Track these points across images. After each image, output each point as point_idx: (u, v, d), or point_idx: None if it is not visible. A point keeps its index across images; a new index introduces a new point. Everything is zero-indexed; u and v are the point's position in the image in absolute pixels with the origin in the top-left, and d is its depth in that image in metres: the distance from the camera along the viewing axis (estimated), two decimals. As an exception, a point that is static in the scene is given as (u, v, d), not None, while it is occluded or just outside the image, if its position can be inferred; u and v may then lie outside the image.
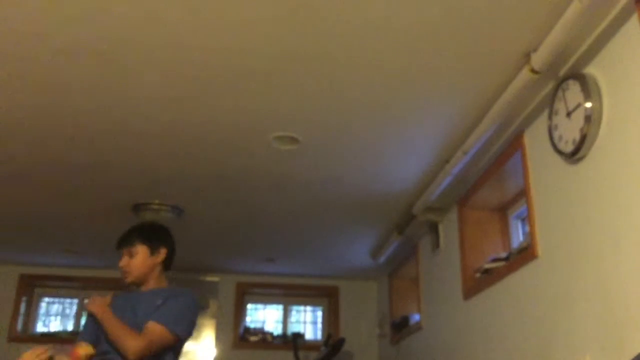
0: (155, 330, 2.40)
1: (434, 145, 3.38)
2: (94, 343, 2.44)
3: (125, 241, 2.60)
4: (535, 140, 2.89)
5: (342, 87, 2.83)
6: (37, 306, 6.45)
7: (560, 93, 2.52)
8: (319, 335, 6.67)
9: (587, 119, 2.30)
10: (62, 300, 6.54)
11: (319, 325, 6.78)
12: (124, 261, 2.58)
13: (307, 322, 6.83)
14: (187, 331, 2.51)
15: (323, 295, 6.73)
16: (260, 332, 6.52)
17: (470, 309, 3.72)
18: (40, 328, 6.41)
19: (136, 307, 2.51)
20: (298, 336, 6.14)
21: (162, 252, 2.65)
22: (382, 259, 5.35)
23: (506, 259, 3.29)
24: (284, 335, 6.55)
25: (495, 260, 3.42)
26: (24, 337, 6.06)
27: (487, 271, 3.47)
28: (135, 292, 2.63)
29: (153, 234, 2.66)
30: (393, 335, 5.63)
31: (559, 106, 2.53)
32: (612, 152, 2.24)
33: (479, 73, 2.68)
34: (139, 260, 2.58)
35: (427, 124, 3.16)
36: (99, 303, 2.52)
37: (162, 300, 2.51)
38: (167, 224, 4.49)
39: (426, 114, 3.06)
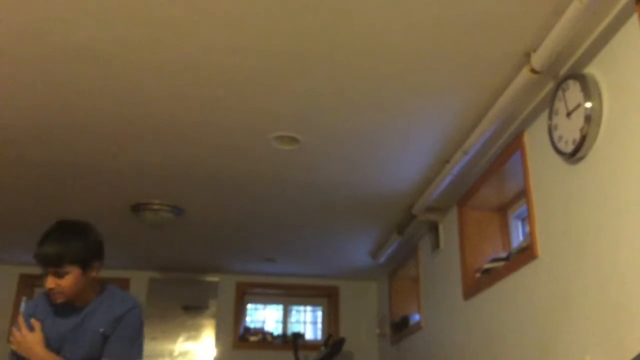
0: None
1: (434, 145, 3.38)
2: None
3: (50, 262, 2.19)
4: (535, 140, 2.89)
5: (343, 87, 2.83)
6: (37, 306, 6.45)
7: (560, 93, 2.52)
8: (319, 335, 6.67)
9: (587, 119, 2.30)
10: (62, 300, 6.54)
11: (319, 325, 6.78)
12: (51, 282, 2.20)
13: (307, 322, 6.83)
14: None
15: (323, 295, 6.73)
16: (260, 332, 6.51)
17: (470, 309, 3.72)
18: (40, 328, 6.41)
19: (78, 335, 2.24)
20: (298, 336, 6.14)
21: (96, 266, 2.28)
22: (382, 259, 5.34)
23: (506, 259, 3.29)
24: (284, 335, 6.54)
25: (495, 260, 3.43)
26: (24, 337, 6.05)
27: (487, 271, 3.47)
28: (67, 306, 2.27)
29: (87, 253, 2.25)
30: (393, 335, 5.63)
31: (559, 106, 2.53)
32: (612, 152, 2.24)
33: (479, 73, 2.68)
34: (70, 281, 2.20)
35: (427, 124, 3.16)
36: (30, 341, 2.19)
37: (110, 327, 2.25)
38: (167, 224, 4.53)
39: (426, 113, 3.06)
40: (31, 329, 2.22)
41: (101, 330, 2.23)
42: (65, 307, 2.25)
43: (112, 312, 2.27)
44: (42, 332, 2.22)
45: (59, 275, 2.19)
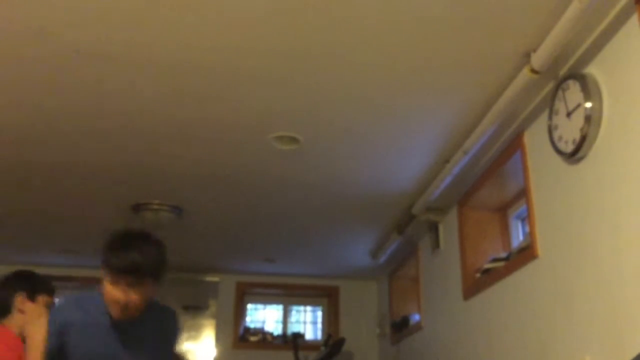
0: None
1: (434, 145, 3.38)
2: None
3: (135, 272, 2.07)
4: (535, 140, 2.89)
5: (342, 87, 2.82)
6: (37, 306, 6.44)
7: (560, 93, 2.52)
8: (319, 335, 6.67)
9: (587, 119, 2.30)
10: (62, 300, 6.53)
11: (319, 325, 6.78)
12: (124, 295, 2.06)
13: (307, 322, 6.83)
14: None
15: (323, 295, 6.73)
16: (260, 332, 6.52)
17: (470, 309, 3.72)
18: (40, 328, 6.40)
19: (128, 346, 2.15)
20: (298, 336, 6.13)
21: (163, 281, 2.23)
22: (382, 259, 5.35)
23: (506, 259, 3.29)
24: (284, 335, 6.55)
25: (495, 260, 3.42)
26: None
27: (487, 271, 3.47)
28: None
29: (164, 267, 2.18)
30: (393, 335, 5.63)
31: (559, 106, 2.53)
32: (612, 152, 2.24)
33: (479, 73, 2.68)
34: (146, 295, 2.12)
35: (428, 124, 3.16)
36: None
37: (166, 339, 2.29)
38: (167, 224, 4.53)
39: (426, 113, 3.06)
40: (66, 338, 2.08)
41: (152, 343, 2.19)
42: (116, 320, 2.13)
43: (163, 326, 2.26)
44: (79, 341, 2.09)
45: (136, 288, 2.06)
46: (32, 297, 2.42)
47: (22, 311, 2.37)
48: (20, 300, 2.39)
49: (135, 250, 2.07)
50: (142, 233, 2.20)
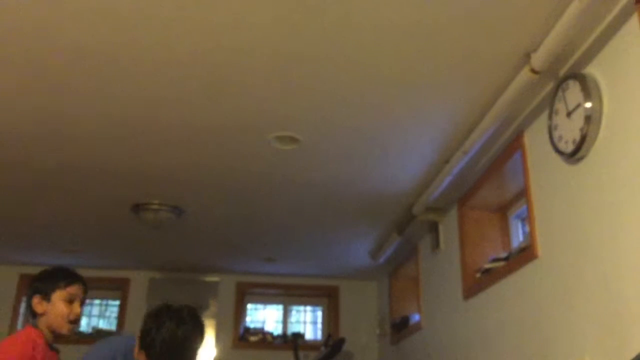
0: None
1: (434, 145, 3.38)
2: None
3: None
4: (535, 140, 2.89)
5: (342, 87, 2.83)
6: (37, 306, 6.44)
7: (560, 93, 2.52)
8: (319, 335, 6.67)
9: (587, 119, 2.30)
10: (62, 300, 6.52)
11: (319, 325, 6.78)
12: None
13: (307, 322, 6.84)
14: None
15: (323, 295, 6.73)
16: (260, 332, 6.52)
17: (470, 309, 3.72)
18: (40, 328, 6.40)
19: None
20: (298, 336, 6.14)
21: None
22: (382, 259, 5.34)
23: (506, 259, 3.29)
24: (284, 335, 6.55)
25: (495, 260, 3.43)
26: (24, 337, 6.04)
27: (487, 271, 3.48)
28: None
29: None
30: (393, 335, 5.63)
31: (559, 106, 2.53)
32: (612, 152, 2.24)
33: (479, 73, 2.68)
34: None
35: (427, 124, 3.16)
36: None
37: None
38: (167, 224, 4.53)
39: (426, 113, 3.06)
40: None
41: None
42: None
43: None
44: None
45: None
46: (47, 297, 2.42)
47: (40, 314, 2.39)
48: (36, 303, 2.40)
49: (191, 342, 2.07)
50: (183, 317, 2.13)
